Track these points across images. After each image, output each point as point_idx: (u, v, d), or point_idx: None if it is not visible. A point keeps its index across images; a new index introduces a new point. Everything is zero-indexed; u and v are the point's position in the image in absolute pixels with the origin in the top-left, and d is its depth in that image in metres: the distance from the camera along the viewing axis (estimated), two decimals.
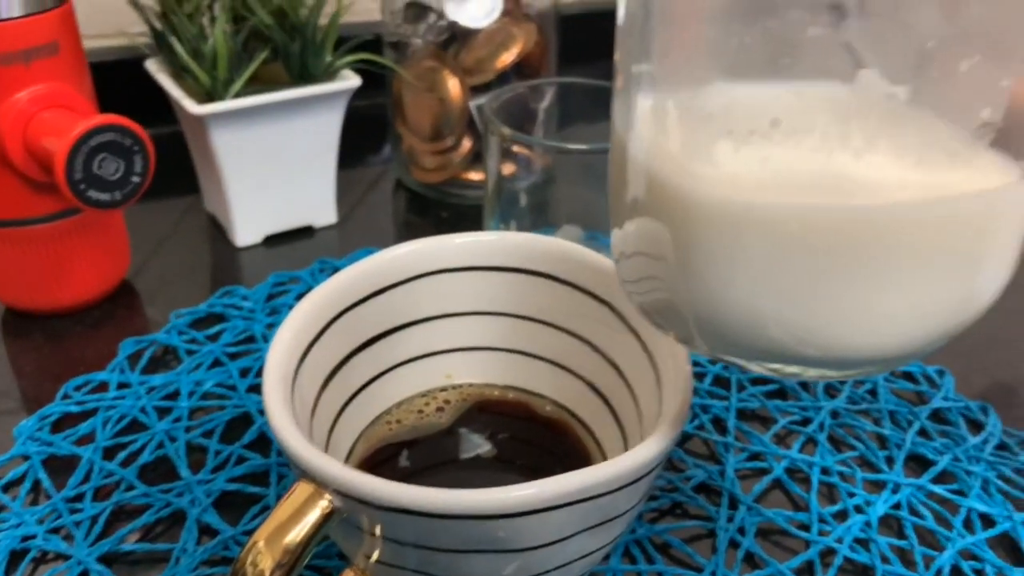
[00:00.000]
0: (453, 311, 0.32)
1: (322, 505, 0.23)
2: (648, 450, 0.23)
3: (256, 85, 0.45)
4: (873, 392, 0.39)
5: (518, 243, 0.31)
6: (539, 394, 0.33)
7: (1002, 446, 0.36)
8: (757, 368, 0.22)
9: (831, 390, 0.39)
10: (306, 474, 0.23)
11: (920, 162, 0.19)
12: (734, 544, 0.31)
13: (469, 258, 0.31)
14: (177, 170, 0.51)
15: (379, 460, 0.30)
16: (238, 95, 0.44)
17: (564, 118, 0.49)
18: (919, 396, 0.39)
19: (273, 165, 0.47)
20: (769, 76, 0.20)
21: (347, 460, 0.30)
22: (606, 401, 0.30)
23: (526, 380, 0.33)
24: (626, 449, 0.29)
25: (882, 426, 0.37)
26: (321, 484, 0.23)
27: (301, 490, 0.23)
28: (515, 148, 0.42)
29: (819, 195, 0.19)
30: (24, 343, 0.41)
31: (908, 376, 0.40)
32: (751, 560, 0.31)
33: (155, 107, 0.47)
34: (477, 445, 0.31)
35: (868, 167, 0.19)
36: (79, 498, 0.33)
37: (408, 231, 0.53)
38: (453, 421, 0.32)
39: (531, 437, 0.32)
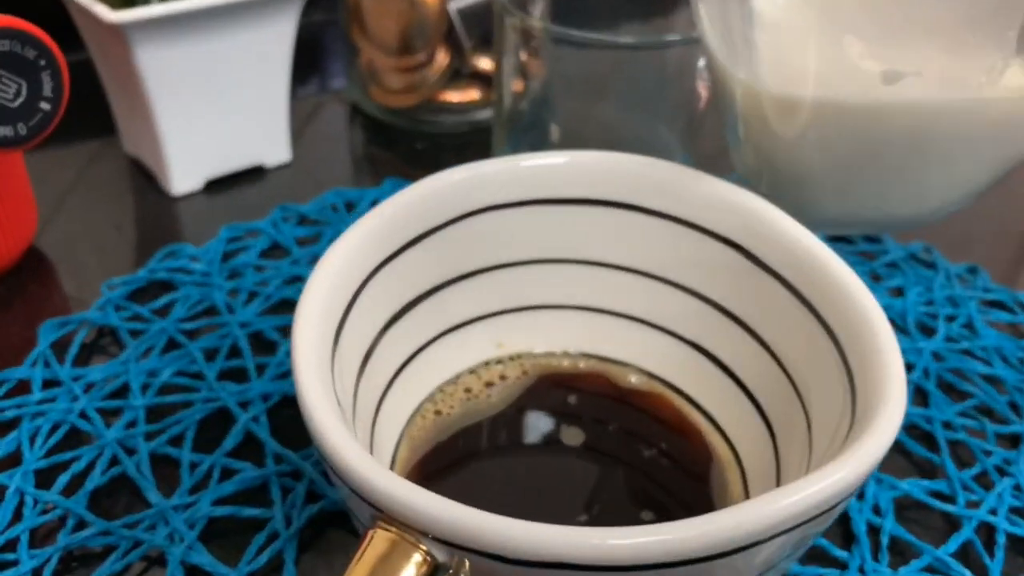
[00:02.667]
0: (508, 260, 0.25)
1: (416, 561, 0.15)
2: (872, 453, 0.16)
3: None
4: (970, 326, 0.33)
5: (608, 167, 0.23)
6: (620, 361, 0.25)
7: None
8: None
9: (926, 328, 0.33)
10: (386, 516, 0.16)
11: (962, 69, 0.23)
12: (872, 529, 0.26)
13: (536, 188, 0.23)
14: (81, 106, 0.41)
15: (432, 468, 0.23)
16: None
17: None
18: (1016, 329, 0.34)
19: (213, 90, 0.37)
20: None
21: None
22: (722, 365, 0.24)
23: (602, 345, 0.26)
24: (768, 425, 0.22)
25: (993, 366, 0.31)
26: (413, 530, 0.15)
27: (380, 539, 0.16)
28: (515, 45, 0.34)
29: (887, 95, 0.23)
30: None
31: (1000, 305, 0.35)
32: (897, 546, 0.25)
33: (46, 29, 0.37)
34: (549, 433, 0.24)
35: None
36: (10, 546, 0.24)
37: (376, 168, 0.44)
38: (511, 402, 0.25)
39: (616, 417, 0.25)
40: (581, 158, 0.23)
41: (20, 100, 0.27)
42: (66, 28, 0.37)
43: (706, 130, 0.34)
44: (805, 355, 0.21)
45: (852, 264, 0.36)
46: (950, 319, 0.33)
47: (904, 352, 0.31)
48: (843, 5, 0.23)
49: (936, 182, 0.25)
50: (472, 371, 0.25)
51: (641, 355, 0.25)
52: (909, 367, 0.31)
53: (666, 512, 0.22)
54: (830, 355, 0.20)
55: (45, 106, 0.27)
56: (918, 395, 0.30)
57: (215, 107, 0.38)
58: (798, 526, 0.16)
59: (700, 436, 0.23)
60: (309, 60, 0.53)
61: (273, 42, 0.38)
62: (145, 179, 0.40)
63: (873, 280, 0.35)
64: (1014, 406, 0.30)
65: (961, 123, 0.23)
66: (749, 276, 0.22)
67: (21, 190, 0.33)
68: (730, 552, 0.15)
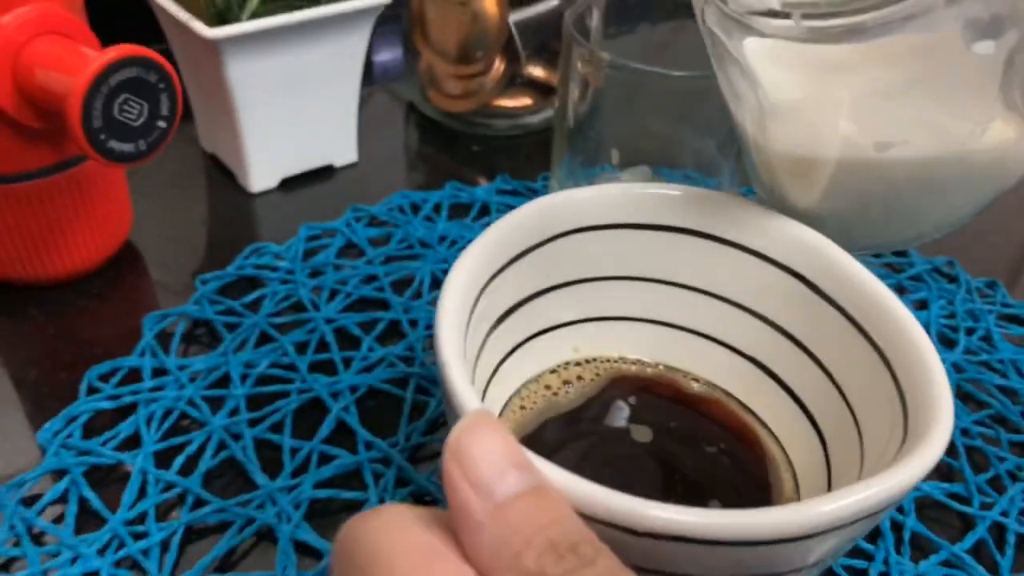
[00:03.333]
0: (592, 275, 0.28)
1: None
2: (920, 467, 0.19)
3: (267, 4, 0.38)
4: (988, 339, 0.36)
5: (690, 199, 0.26)
6: (685, 371, 0.28)
7: None
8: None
9: (947, 340, 0.36)
10: None
11: (949, 129, 0.24)
12: (896, 526, 0.29)
13: (625, 214, 0.26)
14: None
15: None
16: (255, 15, 0.36)
17: (610, 37, 0.44)
18: None
19: (292, 97, 0.40)
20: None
21: None
22: (780, 381, 0.27)
23: (669, 355, 0.29)
24: (820, 437, 0.25)
25: (1008, 378, 0.34)
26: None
27: None
28: (581, 70, 0.36)
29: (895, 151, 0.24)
30: (19, 323, 0.34)
31: (1017, 319, 0.38)
32: (917, 542, 0.28)
33: (122, 28, 0.39)
34: (621, 430, 0.27)
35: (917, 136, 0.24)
36: (140, 519, 0.27)
37: (435, 168, 0.47)
38: (585, 400, 0.28)
39: (680, 418, 0.28)
40: (668, 191, 0.26)
41: (142, 120, 0.29)
42: (137, 19, 0.40)
43: None
44: (860, 378, 0.23)
45: (878, 276, 0.39)
46: (970, 332, 0.36)
47: None
48: (843, 75, 0.25)
49: (932, 215, 0.27)
50: (553, 371, 0.28)
51: (705, 367, 0.28)
52: None
53: (731, 503, 0.25)
54: (884, 381, 0.22)
55: (162, 124, 0.30)
56: None
57: (294, 112, 0.40)
58: (853, 523, 0.19)
59: (757, 440, 0.27)
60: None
61: (349, 52, 0.40)
62: (223, 175, 0.43)
63: (898, 292, 0.38)
64: None
65: (952, 171, 0.25)
66: (811, 304, 0.25)
67: (120, 191, 0.36)
68: (797, 539, 0.18)
